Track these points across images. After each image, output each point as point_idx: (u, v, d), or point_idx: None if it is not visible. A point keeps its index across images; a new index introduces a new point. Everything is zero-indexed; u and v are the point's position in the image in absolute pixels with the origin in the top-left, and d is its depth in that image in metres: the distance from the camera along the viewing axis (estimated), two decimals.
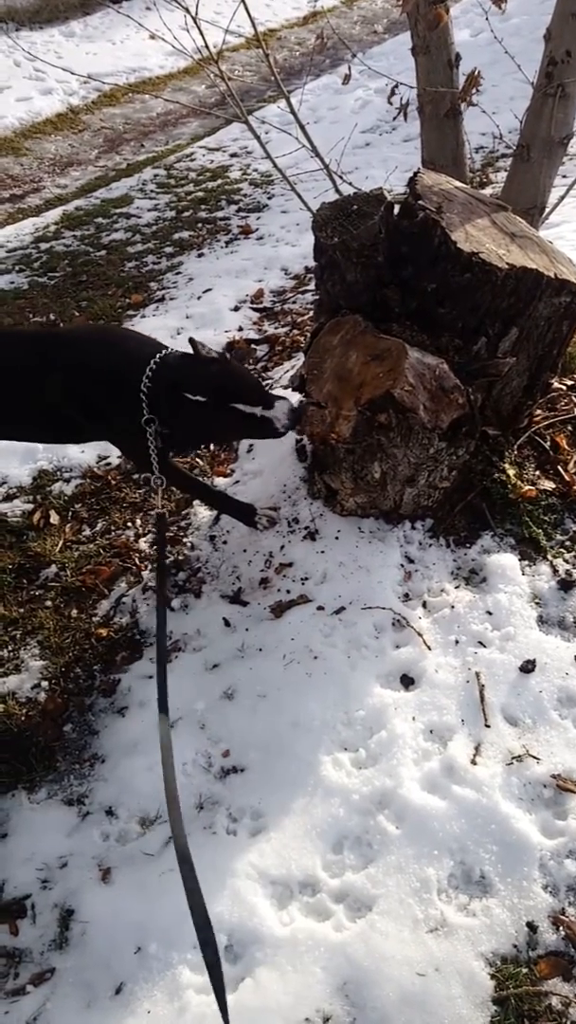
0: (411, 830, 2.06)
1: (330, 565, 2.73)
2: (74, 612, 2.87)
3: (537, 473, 2.85)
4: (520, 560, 2.64)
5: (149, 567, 2.98)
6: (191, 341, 2.38)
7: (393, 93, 3.44)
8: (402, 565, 2.69)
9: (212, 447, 3.44)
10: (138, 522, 3.18)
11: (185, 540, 3.02)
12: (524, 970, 1.83)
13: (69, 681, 2.65)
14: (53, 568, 3.04)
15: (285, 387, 3.35)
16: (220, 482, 3.24)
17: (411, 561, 2.71)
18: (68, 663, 2.71)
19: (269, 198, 6.36)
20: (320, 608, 2.62)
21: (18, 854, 2.23)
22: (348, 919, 1.95)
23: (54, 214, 6.66)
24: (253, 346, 4.19)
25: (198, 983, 1.88)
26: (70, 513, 3.32)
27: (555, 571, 2.60)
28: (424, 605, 2.59)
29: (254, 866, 2.05)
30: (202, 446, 3.36)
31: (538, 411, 2.99)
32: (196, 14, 3.08)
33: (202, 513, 3.12)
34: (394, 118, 3.52)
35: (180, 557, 2.95)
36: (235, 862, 2.06)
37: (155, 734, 2.38)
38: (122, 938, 1.99)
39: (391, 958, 1.85)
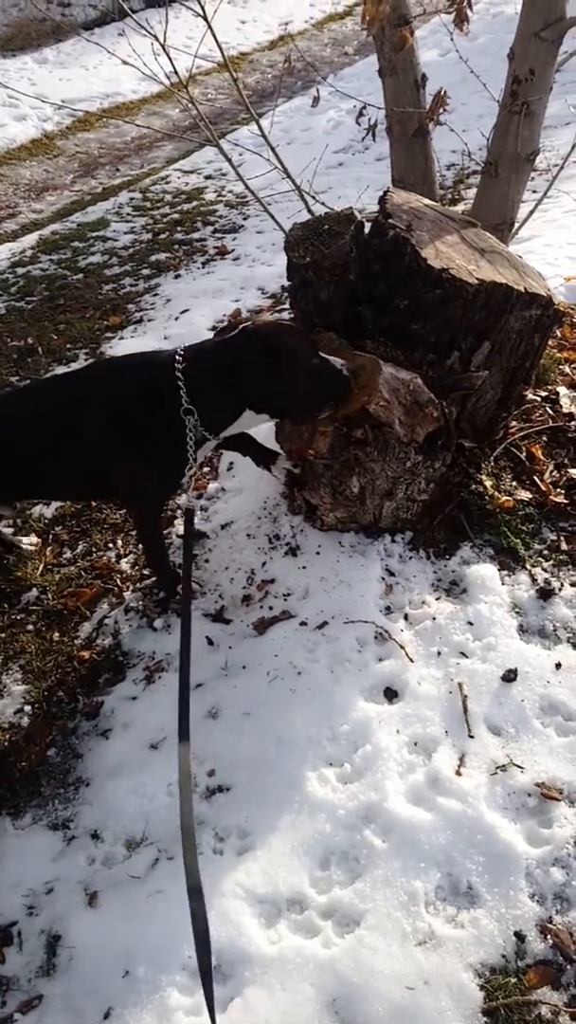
0: (397, 843, 2.06)
1: (312, 580, 2.75)
2: (56, 635, 2.86)
3: (514, 484, 2.88)
4: (499, 570, 2.66)
5: (131, 588, 2.97)
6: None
7: (361, 114, 3.50)
8: (383, 578, 2.71)
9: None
10: (119, 542, 3.18)
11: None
12: (513, 980, 1.82)
13: (52, 705, 2.64)
14: (34, 591, 3.03)
15: None
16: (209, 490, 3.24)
17: (392, 574, 2.72)
18: (51, 687, 2.69)
19: (244, 219, 6.42)
20: (303, 623, 2.63)
21: (3, 881, 2.20)
22: (336, 935, 1.94)
23: (30, 239, 6.70)
24: None
25: (187, 1005, 1.87)
26: (51, 536, 3.31)
27: (534, 580, 2.62)
28: (406, 617, 2.60)
29: (241, 885, 2.04)
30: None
31: (513, 423, 3.03)
32: (165, 40, 3.12)
33: (180, 530, 3.13)
34: (363, 139, 3.56)
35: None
36: (222, 882, 2.05)
37: (139, 755, 2.40)
38: (110, 962, 1.97)
39: (380, 973, 1.84)
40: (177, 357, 2.29)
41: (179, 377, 2.26)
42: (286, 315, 4.51)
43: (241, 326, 2.29)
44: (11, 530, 3.29)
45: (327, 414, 2.48)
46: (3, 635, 2.89)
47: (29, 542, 3.20)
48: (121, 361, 2.57)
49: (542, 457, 2.94)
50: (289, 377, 2.27)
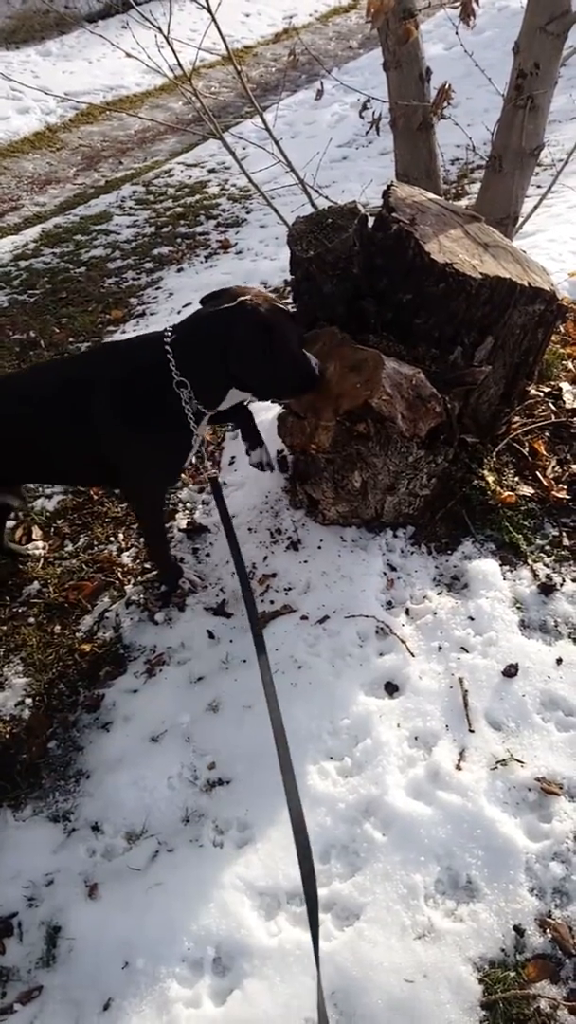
0: (397, 837, 2.06)
1: (313, 574, 2.75)
2: (57, 628, 2.86)
3: (516, 479, 2.88)
4: (501, 565, 2.66)
5: (132, 581, 2.98)
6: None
7: (365, 108, 3.49)
8: (384, 573, 2.71)
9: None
10: (120, 536, 3.18)
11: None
12: (512, 974, 1.83)
13: (53, 697, 2.64)
14: (36, 584, 3.04)
15: None
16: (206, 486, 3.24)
17: (393, 569, 2.72)
18: (52, 679, 2.70)
19: (247, 212, 6.40)
20: (304, 618, 2.63)
21: (4, 872, 2.21)
22: (336, 928, 1.95)
23: (33, 232, 6.67)
24: None
25: (186, 996, 1.87)
26: (52, 529, 3.31)
27: (535, 576, 2.62)
28: (407, 612, 2.60)
29: (241, 877, 2.05)
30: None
31: (516, 418, 3.03)
32: (169, 33, 3.11)
33: (183, 524, 3.13)
34: (367, 132, 3.56)
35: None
36: (222, 874, 2.06)
37: (140, 748, 2.41)
38: (109, 954, 1.98)
39: (379, 966, 1.85)
40: (167, 330, 2.32)
41: (168, 348, 2.27)
42: (289, 308, 4.50)
43: (240, 298, 2.28)
44: (20, 530, 3.29)
45: (288, 400, 2.60)
46: (4, 628, 2.89)
47: (35, 546, 3.20)
48: (118, 342, 2.60)
49: (544, 453, 2.94)
50: (276, 357, 2.30)
